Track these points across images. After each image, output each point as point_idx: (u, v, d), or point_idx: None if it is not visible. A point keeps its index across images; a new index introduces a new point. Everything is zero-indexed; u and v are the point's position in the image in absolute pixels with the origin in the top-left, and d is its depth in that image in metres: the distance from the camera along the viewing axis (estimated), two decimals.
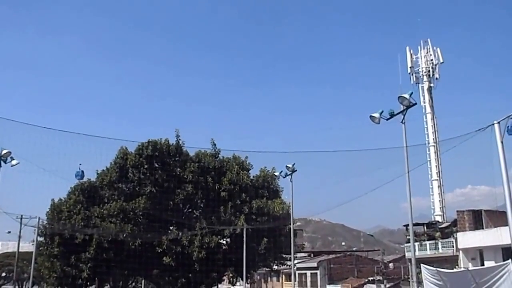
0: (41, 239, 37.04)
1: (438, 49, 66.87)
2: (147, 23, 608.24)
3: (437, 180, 61.87)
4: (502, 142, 13.56)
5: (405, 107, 17.26)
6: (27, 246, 52.00)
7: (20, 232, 45.97)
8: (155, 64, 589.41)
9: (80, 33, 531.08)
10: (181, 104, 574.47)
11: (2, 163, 20.80)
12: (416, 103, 17.62)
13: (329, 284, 58.29)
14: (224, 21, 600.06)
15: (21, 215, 43.60)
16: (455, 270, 31.11)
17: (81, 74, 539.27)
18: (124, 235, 32.23)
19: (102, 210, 33.41)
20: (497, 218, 36.47)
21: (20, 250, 48.57)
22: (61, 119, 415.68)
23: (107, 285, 41.11)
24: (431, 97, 65.64)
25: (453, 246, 40.32)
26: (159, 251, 32.80)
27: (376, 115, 17.89)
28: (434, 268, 22.31)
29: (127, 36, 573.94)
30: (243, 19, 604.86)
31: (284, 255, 38.04)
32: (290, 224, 31.26)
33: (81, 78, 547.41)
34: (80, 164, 25.61)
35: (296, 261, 48.47)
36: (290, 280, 48.49)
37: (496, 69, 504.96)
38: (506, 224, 14.12)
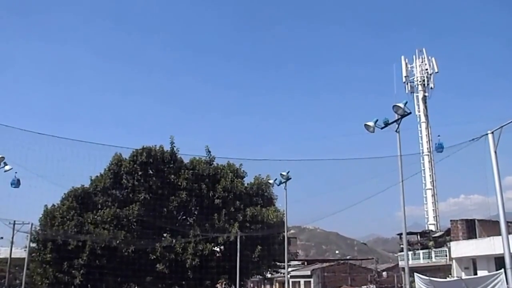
0: (33, 245, 36.72)
1: (433, 59, 67.54)
2: (142, 26, 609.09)
3: (431, 189, 62.20)
4: (495, 152, 13.70)
5: (399, 116, 17.38)
6: (20, 252, 51.51)
7: (12, 238, 45.76)
8: (151, 70, 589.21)
9: (78, 40, 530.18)
10: (176, 111, 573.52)
11: None
12: (410, 112, 17.75)
13: None
14: (219, 26, 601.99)
15: (14, 221, 43.39)
16: (448, 279, 31.26)
17: (77, 81, 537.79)
18: (118, 241, 32.07)
19: (95, 217, 33.23)
20: (490, 227, 36.65)
21: (12, 256, 48.21)
22: (57, 126, 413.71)
23: None
24: (425, 106, 66.19)
25: (446, 255, 40.45)
26: (152, 258, 32.64)
27: (371, 123, 18.00)
28: (428, 277, 22.41)
29: (122, 41, 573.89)
30: (238, 24, 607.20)
31: (277, 263, 37.95)
32: (284, 232, 31.24)
33: (76, 86, 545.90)
34: (16, 173, 24.39)
35: (289, 269, 48.38)
36: None
37: (491, 79, 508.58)
38: (499, 233, 14.22)
